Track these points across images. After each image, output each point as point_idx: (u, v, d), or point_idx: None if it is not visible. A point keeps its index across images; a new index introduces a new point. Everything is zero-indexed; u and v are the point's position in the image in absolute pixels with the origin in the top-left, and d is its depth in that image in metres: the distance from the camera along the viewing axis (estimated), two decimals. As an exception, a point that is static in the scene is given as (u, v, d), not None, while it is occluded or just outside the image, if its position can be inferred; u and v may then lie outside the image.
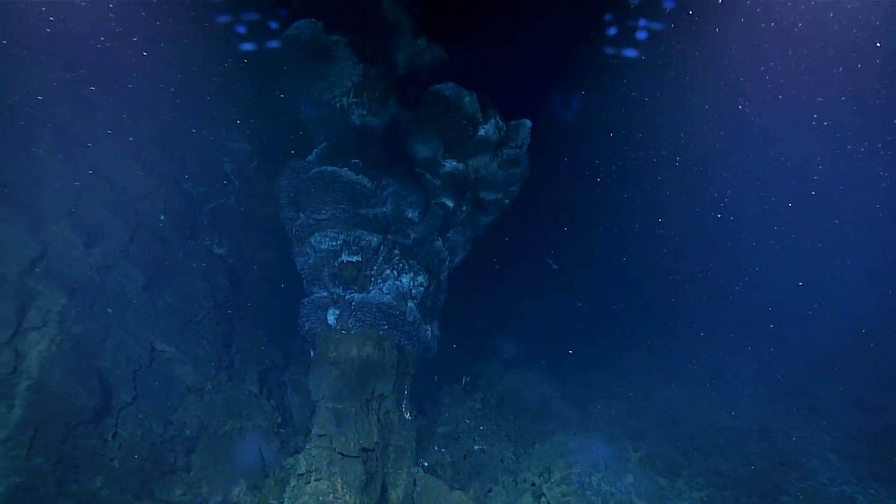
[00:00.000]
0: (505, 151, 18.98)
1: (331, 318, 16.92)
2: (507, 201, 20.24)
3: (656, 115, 25.04)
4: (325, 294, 17.30)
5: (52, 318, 13.26)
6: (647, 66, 23.62)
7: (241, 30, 18.11)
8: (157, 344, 15.71)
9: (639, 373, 24.62)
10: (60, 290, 13.50)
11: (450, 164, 18.48)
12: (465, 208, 19.08)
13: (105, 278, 14.89)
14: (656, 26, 22.49)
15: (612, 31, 23.25)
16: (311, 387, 16.62)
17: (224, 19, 17.79)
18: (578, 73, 25.09)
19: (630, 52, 23.39)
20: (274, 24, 18.40)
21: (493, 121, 18.37)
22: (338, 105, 17.62)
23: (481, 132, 18.26)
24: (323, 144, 17.71)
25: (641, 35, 22.87)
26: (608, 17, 22.94)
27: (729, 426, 20.07)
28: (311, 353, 17.28)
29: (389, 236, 17.60)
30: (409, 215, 17.49)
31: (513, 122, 19.16)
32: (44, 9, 14.02)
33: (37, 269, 13.20)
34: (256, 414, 16.76)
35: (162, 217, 16.91)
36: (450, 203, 18.41)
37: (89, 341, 14.08)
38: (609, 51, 23.57)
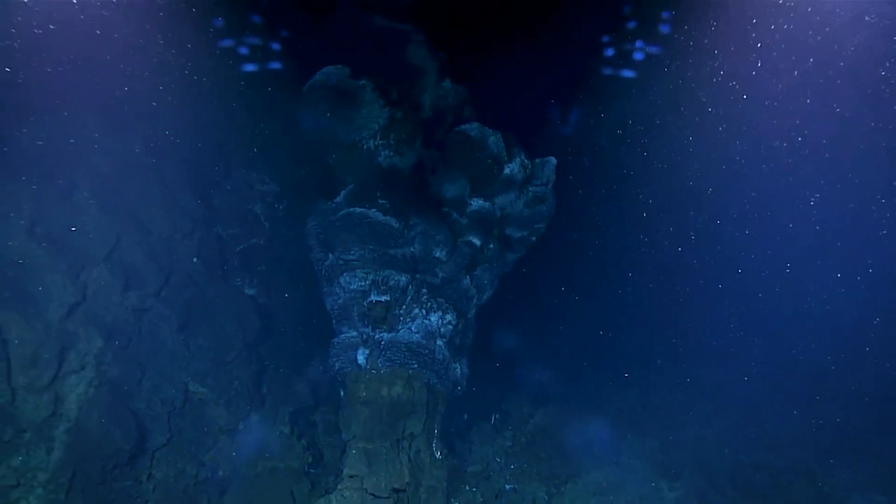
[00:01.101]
0: (530, 189, 19.16)
1: (360, 358, 17.00)
2: (534, 238, 20.33)
3: (677, 138, 25.01)
4: (355, 334, 17.43)
5: (89, 361, 13.58)
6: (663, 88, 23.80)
7: (244, 51, 18.55)
8: (191, 385, 15.96)
9: (670, 407, 24.13)
10: (98, 334, 13.84)
11: (476, 203, 18.69)
12: (491, 246, 19.20)
13: (140, 321, 15.23)
14: (653, 49, 22.77)
15: (610, 52, 23.51)
16: (341, 427, 16.67)
17: (227, 43, 18.22)
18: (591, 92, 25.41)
19: (628, 73, 23.63)
20: (276, 46, 18.89)
21: (517, 159, 18.59)
22: (365, 147, 17.99)
23: (506, 171, 18.49)
24: (351, 186, 18.03)
25: (639, 56, 23.12)
26: (606, 38, 23.29)
27: (768, 465, 19.50)
28: (341, 393, 17.33)
29: (418, 275, 17.75)
30: (437, 254, 17.64)
31: (537, 160, 19.37)
32: (81, 63, 14.61)
33: (76, 314, 13.55)
34: (288, 454, 16.78)
35: (195, 259, 17.26)
36: (477, 241, 18.56)
37: (125, 383, 14.36)
38: (608, 71, 23.84)
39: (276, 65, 18.90)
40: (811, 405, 22.74)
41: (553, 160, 19.50)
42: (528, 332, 26.94)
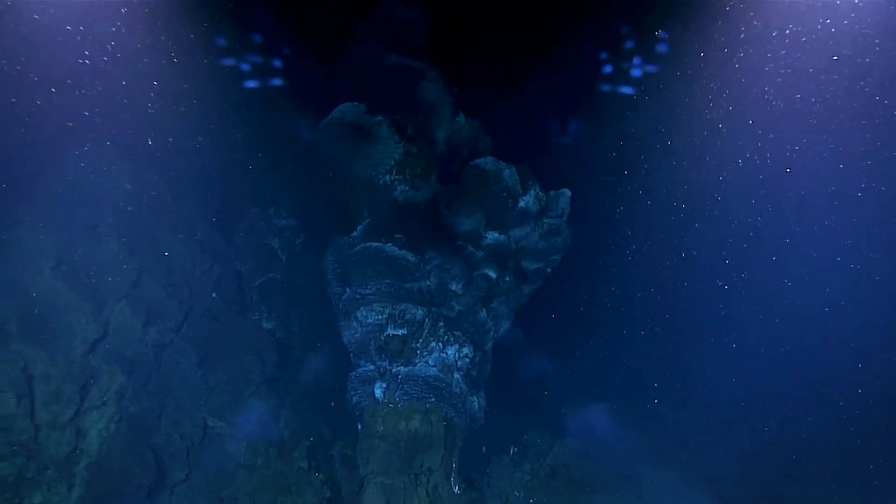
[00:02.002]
0: (546, 221, 19.27)
1: (378, 392, 17.01)
2: (549, 270, 20.36)
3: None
4: (372, 367, 17.46)
5: (111, 396, 13.69)
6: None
7: (245, 68, 18.79)
8: (210, 420, 15.99)
9: (690, 436, 23.74)
10: (119, 369, 13.99)
11: (491, 236, 18.81)
12: (507, 279, 19.26)
13: (160, 356, 15.37)
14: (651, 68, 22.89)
15: (609, 69, 23.66)
16: (359, 461, 16.62)
17: (229, 62, 18.52)
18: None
19: (626, 90, 23.76)
20: (277, 63, 19.22)
21: (532, 192, 18.75)
22: (381, 182, 18.24)
23: (521, 203, 18.63)
24: (367, 220, 18.24)
25: (636, 73, 23.24)
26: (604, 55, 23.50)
27: (791, 496, 19.13)
28: (359, 427, 17.31)
29: (434, 309, 17.81)
30: (453, 287, 17.74)
31: (552, 192, 19.50)
32: (101, 97, 15.01)
33: (98, 349, 13.73)
34: (306, 490, 16.70)
35: (213, 294, 17.44)
36: (492, 274, 18.63)
37: (145, 419, 14.44)
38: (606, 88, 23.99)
39: (276, 81, 19.22)
40: (835, 435, 22.34)
41: (567, 192, 19.64)
42: (541, 354, 26.84)
